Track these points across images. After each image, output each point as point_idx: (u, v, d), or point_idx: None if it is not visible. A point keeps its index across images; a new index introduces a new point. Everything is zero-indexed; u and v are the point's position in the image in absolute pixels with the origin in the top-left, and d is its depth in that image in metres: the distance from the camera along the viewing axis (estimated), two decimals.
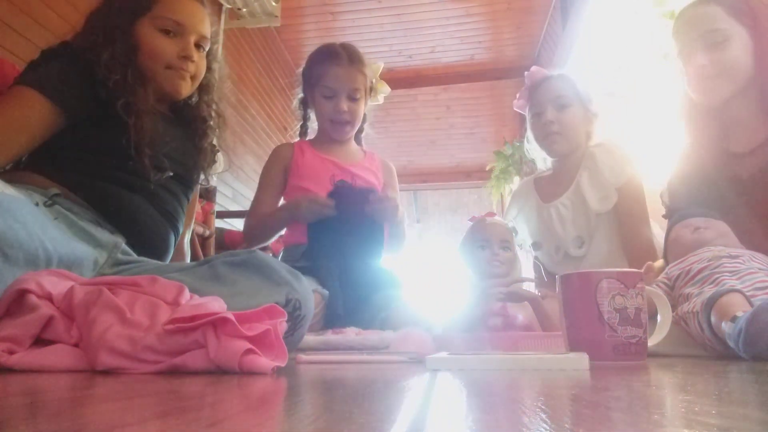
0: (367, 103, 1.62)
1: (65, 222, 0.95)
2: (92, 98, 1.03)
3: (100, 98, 1.03)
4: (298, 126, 1.69)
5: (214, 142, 1.27)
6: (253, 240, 1.54)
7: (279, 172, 1.59)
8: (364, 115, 1.68)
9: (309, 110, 1.65)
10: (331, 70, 1.51)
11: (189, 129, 1.23)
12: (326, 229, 1.39)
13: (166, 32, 1.11)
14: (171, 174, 1.12)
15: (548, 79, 1.59)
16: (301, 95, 1.65)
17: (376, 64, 1.63)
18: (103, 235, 1.00)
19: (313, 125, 1.67)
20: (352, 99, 1.53)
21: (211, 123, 1.26)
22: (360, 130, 1.71)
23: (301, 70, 1.63)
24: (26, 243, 0.78)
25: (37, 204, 0.92)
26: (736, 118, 1.24)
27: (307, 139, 1.68)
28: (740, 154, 1.22)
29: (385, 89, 1.65)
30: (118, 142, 1.03)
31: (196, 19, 1.15)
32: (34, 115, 0.99)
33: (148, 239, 1.10)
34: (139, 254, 1.07)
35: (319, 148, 1.60)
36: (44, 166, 1.01)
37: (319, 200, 1.38)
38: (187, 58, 1.13)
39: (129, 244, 1.06)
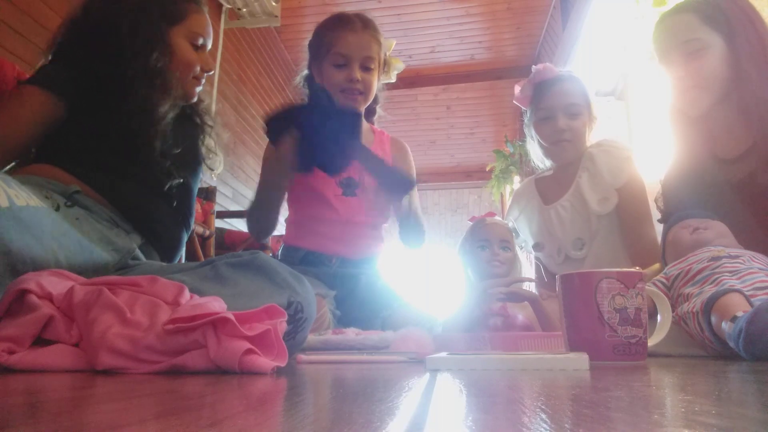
0: (380, 78, 1.48)
1: (85, 225, 0.96)
2: (92, 85, 1.06)
3: (103, 90, 1.07)
4: None
5: (213, 136, 1.31)
6: (256, 224, 1.41)
7: None
8: (376, 95, 1.53)
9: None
10: (343, 35, 1.38)
11: (192, 125, 1.27)
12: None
13: (195, 46, 1.19)
14: (182, 180, 1.15)
15: (559, 82, 1.54)
16: (305, 72, 1.50)
17: (388, 40, 1.50)
18: (120, 238, 1.02)
19: None
20: (366, 68, 1.40)
21: (208, 121, 1.30)
22: (372, 112, 1.59)
23: (307, 42, 1.47)
24: (39, 258, 0.80)
25: (57, 208, 0.93)
26: (721, 125, 1.25)
27: None
28: (729, 160, 1.22)
29: (398, 66, 1.54)
30: (131, 139, 1.06)
31: (212, 34, 1.26)
32: (30, 107, 1.03)
33: (163, 238, 1.12)
34: (151, 252, 1.10)
35: None
36: (64, 161, 1.03)
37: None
38: (209, 71, 1.23)
39: (143, 242, 1.08)
